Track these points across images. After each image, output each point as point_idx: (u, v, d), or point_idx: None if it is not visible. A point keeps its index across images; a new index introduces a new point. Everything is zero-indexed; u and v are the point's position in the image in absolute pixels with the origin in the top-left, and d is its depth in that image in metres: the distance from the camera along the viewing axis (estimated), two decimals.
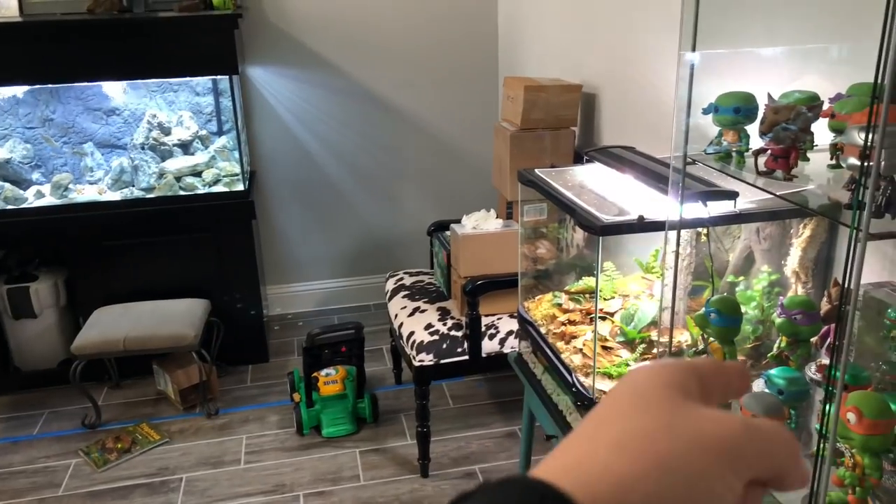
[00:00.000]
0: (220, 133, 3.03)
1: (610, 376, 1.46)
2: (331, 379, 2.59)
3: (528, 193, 1.86)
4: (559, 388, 1.62)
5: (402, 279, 2.65)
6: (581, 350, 1.56)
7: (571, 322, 1.67)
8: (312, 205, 3.33)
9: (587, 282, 1.77)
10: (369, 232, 3.43)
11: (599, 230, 1.35)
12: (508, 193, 2.38)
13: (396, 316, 2.42)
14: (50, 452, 2.47)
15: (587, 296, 1.73)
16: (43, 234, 2.71)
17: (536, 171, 1.70)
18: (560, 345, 1.62)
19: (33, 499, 2.26)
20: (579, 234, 1.99)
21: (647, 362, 0.37)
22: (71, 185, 2.81)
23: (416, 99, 3.27)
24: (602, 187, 1.58)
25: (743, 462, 0.30)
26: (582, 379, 1.49)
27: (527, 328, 1.77)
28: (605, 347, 1.53)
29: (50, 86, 2.80)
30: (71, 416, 2.66)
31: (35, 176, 2.89)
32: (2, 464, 2.42)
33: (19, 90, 2.81)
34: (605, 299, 1.64)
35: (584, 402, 1.46)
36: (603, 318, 1.58)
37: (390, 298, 2.56)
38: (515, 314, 2.26)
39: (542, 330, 1.68)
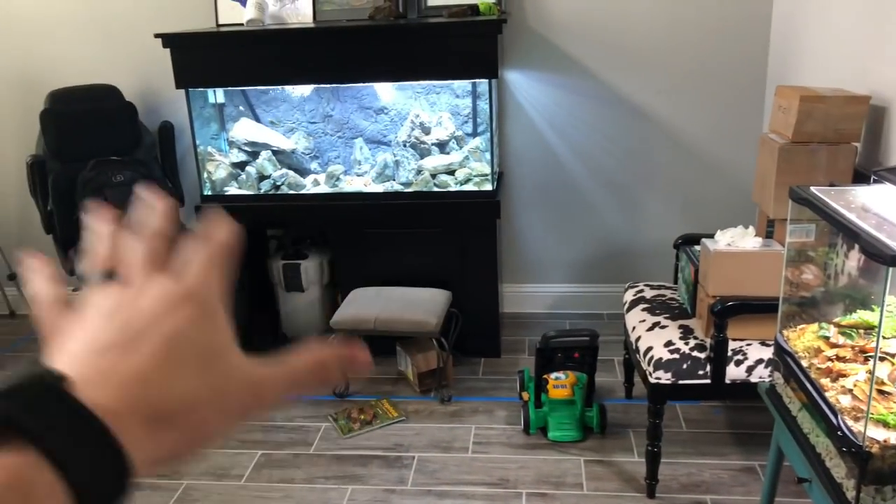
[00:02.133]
0: (474, 134, 3.16)
1: (886, 424, 1.30)
2: (561, 383, 2.60)
3: (797, 212, 1.71)
4: (818, 429, 1.47)
5: (642, 291, 2.57)
6: (851, 391, 1.40)
7: (840, 358, 1.51)
8: (554, 208, 3.36)
9: (862, 316, 1.59)
10: (609, 239, 3.37)
11: (890, 260, 1.20)
12: (771, 211, 2.20)
13: (634, 329, 2.36)
14: (305, 413, 2.76)
15: (861, 331, 1.55)
16: (315, 217, 3.02)
17: (812, 188, 1.55)
18: (825, 382, 1.47)
19: (289, 452, 2.53)
20: (852, 262, 1.78)
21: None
22: (342, 176, 3.11)
23: (671, 105, 3.15)
24: (890, 212, 1.41)
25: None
26: (850, 423, 1.34)
27: (784, 358, 1.63)
28: (881, 392, 1.37)
29: (332, 85, 3.11)
30: None
31: (313, 166, 3.23)
32: (266, 417, 2.75)
33: (307, 89, 3.16)
34: (884, 338, 1.46)
35: (852, 448, 1.31)
36: (882, 359, 1.40)
37: (628, 310, 2.50)
38: (767, 341, 2.09)
39: (804, 363, 1.54)
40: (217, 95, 3.16)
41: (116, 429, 0.30)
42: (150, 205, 0.39)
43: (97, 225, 0.39)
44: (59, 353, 0.35)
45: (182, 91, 2.91)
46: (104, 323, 0.35)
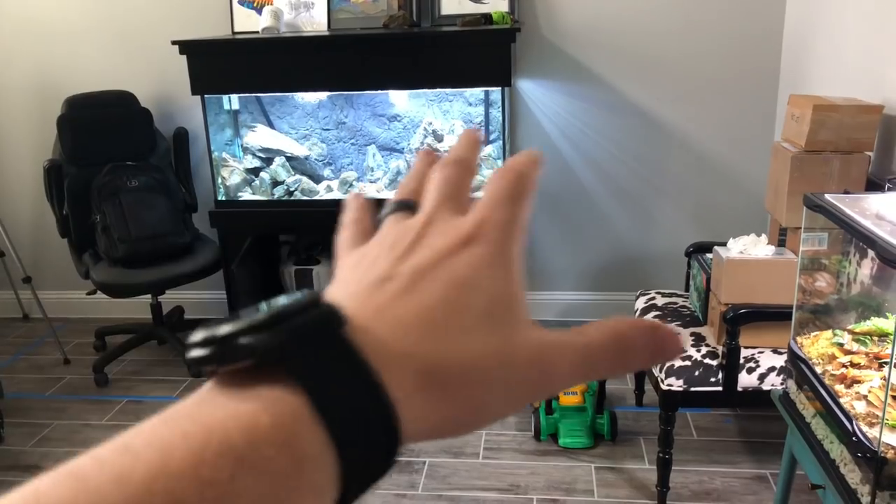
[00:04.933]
0: (486, 142, 3.18)
1: None
2: (571, 390, 2.60)
3: (810, 220, 1.72)
4: (832, 436, 1.48)
5: (653, 299, 2.58)
6: (866, 397, 1.41)
7: (854, 365, 1.51)
8: (564, 215, 3.37)
9: (877, 323, 1.59)
10: (620, 247, 3.38)
11: None
12: (784, 219, 2.21)
13: None
14: None
15: (875, 338, 1.56)
16: (328, 223, 3.01)
17: (827, 195, 1.56)
18: (839, 388, 1.47)
19: None
20: (865, 270, 1.79)
21: None
22: (355, 183, 3.14)
23: (683, 114, 3.17)
24: None
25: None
26: (865, 429, 1.35)
27: (798, 365, 1.64)
28: (895, 398, 1.37)
29: (346, 93, 3.14)
30: None
31: (326, 172, 3.26)
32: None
33: (321, 96, 3.19)
34: None
35: (867, 454, 1.31)
36: None
37: (639, 317, 2.50)
38: (779, 349, 2.10)
39: (818, 370, 1.54)
40: (232, 102, 3.19)
41: (390, 384, 0.26)
42: (459, 137, 0.36)
43: (416, 161, 0.37)
44: (335, 283, 0.31)
45: (197, 97, 2.94)
46: (387, 253, 0.31)
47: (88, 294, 3.20)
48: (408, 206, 0.34)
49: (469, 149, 0.36)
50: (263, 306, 0.26)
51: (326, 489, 0.25)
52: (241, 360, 0.24)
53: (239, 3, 3.13)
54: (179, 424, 0.23)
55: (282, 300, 0.26)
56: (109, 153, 3.08)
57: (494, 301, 0.30)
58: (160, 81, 3.34)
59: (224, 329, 0.25)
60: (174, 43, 2.82)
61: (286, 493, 0.23)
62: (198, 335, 0.26)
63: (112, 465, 0.21)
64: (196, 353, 0.25)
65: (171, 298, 3.42)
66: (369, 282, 0.30)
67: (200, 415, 0.24)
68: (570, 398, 2.58)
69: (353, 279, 0.31)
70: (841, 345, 1.58)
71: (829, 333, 1.65)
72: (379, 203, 0.37)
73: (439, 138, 3.13)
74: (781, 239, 2.29)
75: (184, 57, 2.84)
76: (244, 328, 0.25)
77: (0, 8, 3.37)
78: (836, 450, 1.45)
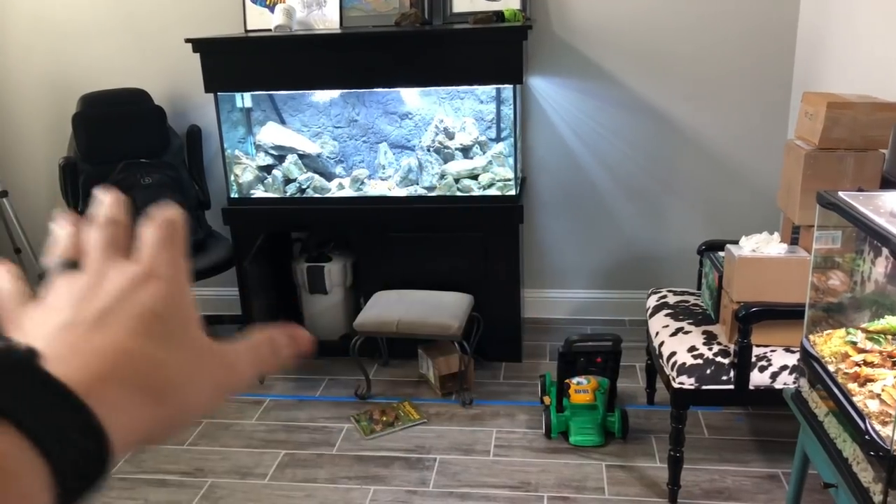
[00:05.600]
0: (497, 140, 3.18)
1: None
2: (582, 388, 2.60)
3: (824, 218, 1.71)
4: (845, 434, 1.47)
5: (665, 297, 2.57)
6: (879, 396, 1.40)
7: (867, 363, 1.51)
8: (576, 214, 3.37)
9: (891, 321, 1.58)
10: (632, 245, 3.37)
11: None
12: (797, 217, 2.20)
13: (657, 334, 2.36)
14: (328, 414, 2.78)
15: (889, 337, 1.55)
16: (339, 221, 3.05)
17: (840, 193, 1.55)
18: (852, 387, 1.47)
19: (312, 452, 2.56)
20: (879, 268, 1.78)
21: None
22: (366, 180, 3.14)
23: (695, 111, 3.16)
24: None
25: None
26: (878, 427, 1.34)
27: (811, 363, 1.63)
28: None
29: (358, 90, 3.14)
30: (346, 385, 2.97)
31: (338, 170, 3.27)
32: (289, 417, 2.78)
33: (333, 93, 3.20)
34: None
35: (879, 452, 1.31)
36: None
37: (651, 315, 2.50)
38: (791, 348, 2.09)
39: (831, 368, 1.54)
40: (245, 100, 3.21)
41: (92, 403, 0.29)
42: (100, 200, 0.40)
43: (57, 226, 0.40)
44: (23, 335, 0.34)
45: (210, 95, 2.96)
46: (70, 304, 0.35)
47: None
48: (71, 265, 0.38)
49: (116, 208, 0.40)
50: None
51: (38, 496, 0.27)
52: None
53: (252, 1, 3.14)
54: None
55: None
56: (124, 151, 3.11)
57: (176, 324, 0.35)
58: (174, 79, 3.36)
59: None
60: (187, 41, 2.83)
61: None
62: None
63: None
64: None
65: None
66: (57, 327, 0.34)
67: None
68: (580, 396, 2.58)
69: (40, 329, 0.34)
70: (854, 343, 1.58)
71: (842, 332, 1.64)
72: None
73: (450, 135, 3.14)
74: (794, 237, 2.28)
75: (197, 55, 2.86)
76: None
77: (16, 7, 3.40)
78: (849, 448, 1.44)
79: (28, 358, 0.30)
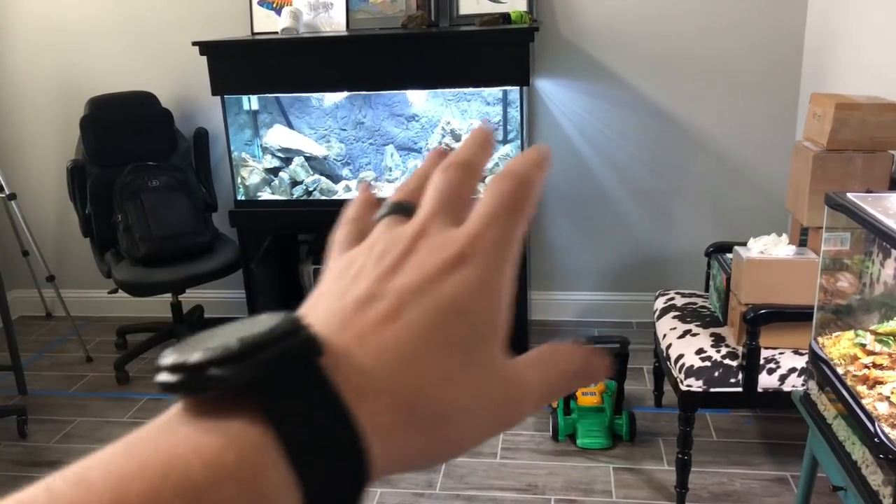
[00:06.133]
0: (504, 141, 3.18)
1: None
2: (590, 390, 2.59)
3: (832, 220, 1.70)
4: (854, 437, 1.46)
5: (672, 299, 2.56)
6: (888, 398, 1.39)
7: (877, 366, 1.50)
8: (583, 215, 3.36)
9: None
10: (639, 247, 3.36)
11: None
12: (805, 219, 2.19)
13: (665, 336, 2.35)
14: None
15: None
16: None
17: (849, 195, 1.54)
18: (861, 389, 1.46)
19: None
20: (889, 270, 1.77)
21: None
22: (373, 182, 3.15)
23: (703, 113, 3.15)
24: None
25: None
26: (887, 430, 1.33)
27: (819, 366, 1.62)
28: None
29: (364, 93, 3.15)
30: None
31: (345, 172, 3.27)
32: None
33: (340, 96, 3.20)
34: None
35: (889, 455, 1.30)
36: None
37: (659, 318, 2.49)
38: (800, 350, 2.07)
39: (840, 370, 1.53)
40: (251, 102, 3.22)
41: (364, 418, 0.24)
42: (473, 133, 0.33)
43: (425, 160, 0.35)
44: (319, 293, 0.30)
45: (217, 98, 2.97)
46: (373, 266, 0.29)
47: (110, 293, 3.24)
48: (405, 209, 0.32)
49: (478, 150, 0.34)
50: (238, 331, 0.24)
51: None
52: (210, 392, 0.23)
53: (258, 4, 3.15)
54: (139, 455, 0.22)
55: (259, 325, 0.25)
56: (131, 153, 3.12)
57: (479, 330, 0.28)
58: (181, 82, 3.37)
59: (195, 357, 0.23)
60: (194, 44, 2.84)
61: None
62: (168, 359, 0.24)
63: (64, 499, 0.21)
64: (164, 378, 0.24)
65: (191, 297, 3.45)
66: (353, 299, 0.28)
67: (162, 445, 0.22)
68: (588, 399, 2.57)
69: (336, 291, 0.29)
70: (863, 345, 1.57)
71: (850, 334, 1.63)
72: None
73: (457, 138, 3.14)
74: (803, 239, 2.27)
75: (204, 58, 2.86)
76: (215, 358, 0.23)
77: (25, 11, 3.42)
78: (858, 451, 1.43)
79: (311, 355, 0.25)
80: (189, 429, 0.23)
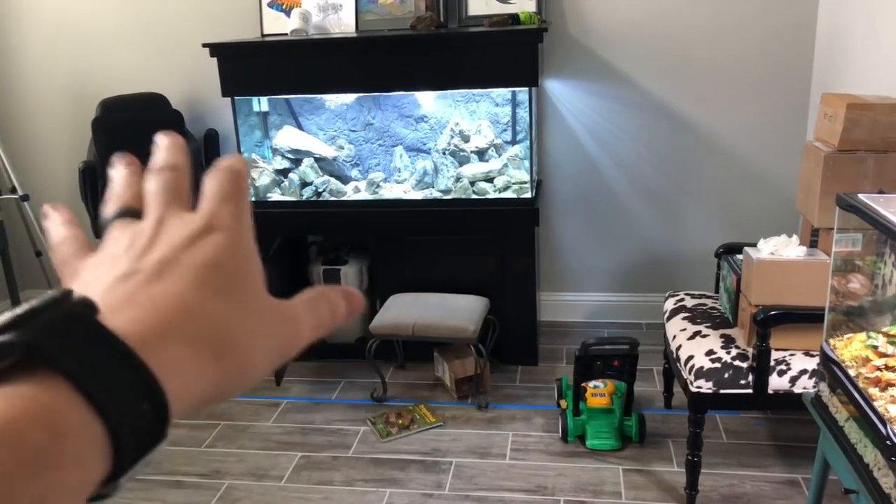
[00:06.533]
0: (513, 142, 3.18)
1: None
2: (599, 391, 2.59)
3: (843, 221, 1.69)
4: (866, 439, 1.45)
5: (682, 300, 2.55)
6: None
7: (889, 368, 1.49)
8: (593, 216, 3.35)
9: None
10: (649, 248, 3.35)
11: None
12: (816, 220, 2.18)
13: (675, 337, 2.34)
14: (344, 417, 2.79)
15: None
16: (355, 224, 3.06)
17: (860, 195, 1.53)
18: (873, 391, 1.45)
19: (328, 455, 2.56)
20: None
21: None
22: (382, 183, 3.15)
23: (713, 114, 3.14)
24: None
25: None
26: None
27: (831, 368, 1.61)
28: None
29: (373, 94, 3.15)
30: (362, 388, 2.98)
31: (354, 173, 3.28)
32: (306, 420, 2.79)
33: (349, 97, 3.21)
34: None
35: None
36: None
37: (668, 319, 2.48)
38: (811, 352, 2.06)
39: (851, 372, 1.52)
40: (261, 103, 3.23)
41: (150, 359, 0.27)
42: (161, 144, 0.38)
43: (115, 170, 0.39)
44: (78, 285, 0.32)
45: (227, 99, 2.98)
46: (127, 253, 0.33)
47: None
48: (131, 213, 0.36)
49: (176, 153, 0.38)
50: (15, 309, 0.27)
51: (90, 458, 0.25)
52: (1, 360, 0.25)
53: (268, 5, 3.16)
54: None
55: (34, 300, 0.27)
56: (142, 154, 3.12)
57: (240, 277, 0.33)
58: (191, 84, 3.39)
59: None
60: (205, 46, 2.86)
61: (43, 462, 0.24)
62: None
63: None
64: None
65: None
66: (114, 277, 0.31)
67: None
68: (597, 400, 2.57)
69: (96, 279, 0.32)
70: (875, 347, 1.56)
71: (862, 336, 1.62)
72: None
73: (466, 138, 3.14)
74: (814, 240, 2.25)
75: (214, 59, 2.88)
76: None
77: (38, 14, 3.45)
78: (870, 454, 1.42)
79: (84, 310, 0.28)
80: None
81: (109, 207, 0.37)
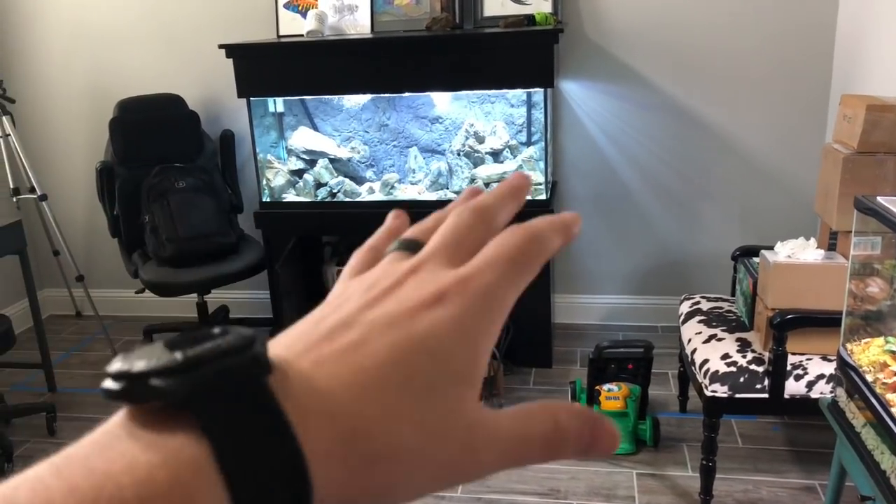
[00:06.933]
0: (528, 143, 3.17)
1: None
2: (613, 395, 2.57)
3: (862, 224, 1.66)
4: (883, 446, 1.43)
5: (698, 303, 2.53)
6: None
7: None
8: (608, 218, 3.33)
9: None
10: (665, 251, 3.33)
11: None
12: (834, 222, 2.15)
13: (690, 341, 2.32)
14: None
15: None
16: (370, 225, 3.02)
17: (879, 198, 1.51)
18: (891, 397, 1.42)
19: None
20: None
21: None
22: (396, 184, 3.15)
23: (730, 115, 3.11)
24: None
25: None
26: None
27: (848, 373, 1.59)
28: None
29: (388, 95, 3.15)
30: None
31: (368, 174, 3.28)
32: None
33: (364, 98, 3.21)
34: None
35: None
36: None
37: (684, 322, 2.46)
38: (828, 356, 2.04)
39: (869, 378, 1.50)
40: (277, 104, 3.24)
41: (309, 444, 0.24)
42: (505, 182, 0.33)
43: (458, 198, 0.34)
44: (309, 316, 0.29)
45: (243, 100, 2.99)
46: (360, 295, 0.29)
47: (137, 293, 3.28)
48: (413, 246, 0.32)
49: (505, 198, 0.33)
50: (189, 343, 0.24)
51: None
52: (150, 402, 0.23)
53: (284, 7, 3.17)
54: (70, 475, 0.21)
55: (209, 339, 0.24)
56: (158, 155, 3.16)
57: (445, 372, 0.27)
58: (208, 85, 3.41)
59: (139, 365, 0.23)
60: (221, 47, 2.87)
61: None
62: (114, 365, 0.24)
63: None
64: (108, 385, 0.24)
65: (216, 298, 3.49)
66: (328, 326, 0.28)
67: (97, 463, 0.22)
68: (611, 403, 2.55)
69: (318, 316, 0.29)
70: (893, 352, 1.53)
71: (880, 340, 1.60)
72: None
73: (481, 139, 3.13)
74: (832, 243, 2.23)
75: (230, 60, 2.89)
76: (158, 368, 0.23)
77: (57, 15, 3.49)
78: (887, 461, 1.40)
79: (255, 370, 0.24)
80: (126, 444, 0.23)
81: (404, 235, 0.33)
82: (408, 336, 0.27)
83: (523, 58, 2.76)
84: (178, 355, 0.23)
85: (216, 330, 0.25)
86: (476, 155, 3.11)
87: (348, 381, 0.26)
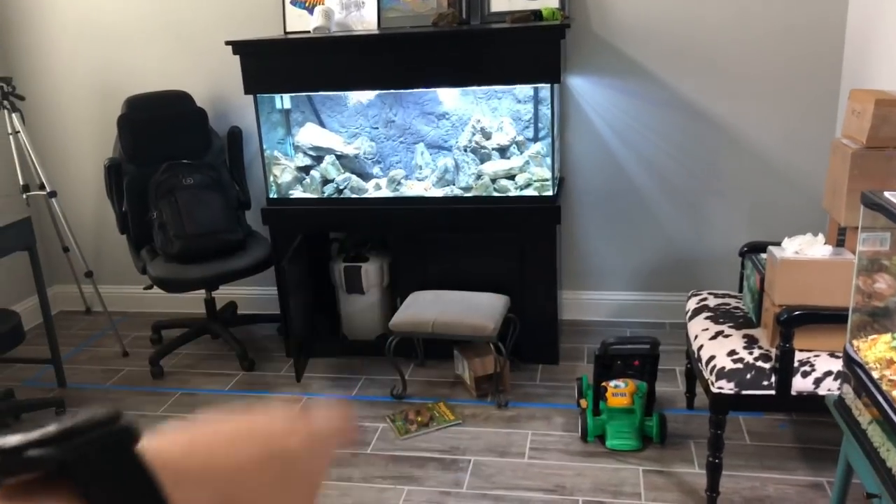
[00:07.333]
0: (535, 139, 3.16)
1: None
2: (620, 391, 2.56)
3: (870, 219, 1.65)
4: (889, 443, 1.42)
5: (705, 299, 2.52)
6: None
7: None
8: (615, 214, 3.32)
9: None
10: (672, 247, 3.32)
11: None
12: (842, 218, 2.13)
13: (696, 337, 2.31)
14: (363, 413, 2.79)
15: None
16: (376, 221, 3.07)
17: (886, 193, 1.50)
18: None
19: (347, 451, 2.57)
20: None
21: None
22: (403, 181, 3.15)
23: (738, 110, 3.09)
24: None
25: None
26: None
27: (854, 369, 1.58)
28: None
29: (395, 91, 3.15)
30: (382, 385, 2.98)
31: (375, 170, 3.28)
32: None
33: (371, 94, 3.21)
34: None
35: None
36: None
37: (691, 318, 2.45)
38: (836, 353, 2.02)
39: (875, 375, 1.48)
40: (284, 101, 3.24)
41: (180, 500, 0.27)
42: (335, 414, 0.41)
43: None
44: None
45: (250, 97, 3.00)
46: (225, 419, 0.35)
47: (146, 289, 3.30)
48: None
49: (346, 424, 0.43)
50: (62, 420, 0.26)
51: None
52: (25, 474, 0.25)
53: (291, 3, 3.18)
54: None
55: (82, 415, 0.26)
56: (166, 152, 3.17)
57: (294, 472, 0.35)
58: (215, 82, 3.42)
59: (13, 440, 0.25)
60: (228, 43, 2.88)
61: None
62: None
63: None
64: None
65: (224, 294, 3.50)
66: (193, 431, 0.33)
67: None
68: (618, 399, 2.54)
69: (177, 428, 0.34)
70: None
71: (887, 337, 1.58)
72: None
73: (487, 135, 3.12)
74: (840, 239, 2.21)
75: (237, 57, 2.90)
76: (33, 440, 0.25)
77: (65, 14, 3.50)
78: (893, 458, 1.39)
79: (125, 438, 0.27)
80: None
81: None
82: (273, 435, 0.36)
83: (530, 53, 2.75)
84: (52, 427, 0.25)
85: (89, 409, 0.27)
86: (483, 151, 3.11)
87: (214, 452, 0.31)
